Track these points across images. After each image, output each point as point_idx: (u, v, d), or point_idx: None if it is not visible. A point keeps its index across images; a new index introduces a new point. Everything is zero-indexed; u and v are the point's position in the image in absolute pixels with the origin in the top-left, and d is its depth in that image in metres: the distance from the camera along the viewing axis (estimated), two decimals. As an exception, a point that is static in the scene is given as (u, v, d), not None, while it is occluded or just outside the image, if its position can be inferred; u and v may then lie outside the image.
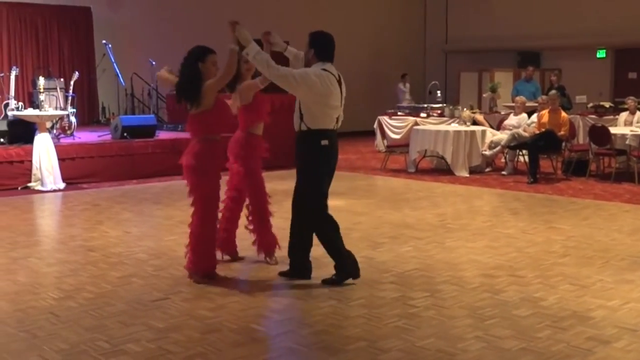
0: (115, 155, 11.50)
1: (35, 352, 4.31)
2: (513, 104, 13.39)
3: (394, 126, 14.70)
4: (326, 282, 5.61)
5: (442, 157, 12.39)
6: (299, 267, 5.73)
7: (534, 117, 12.15)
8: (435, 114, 14.80)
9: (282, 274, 5.84)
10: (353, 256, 5.70)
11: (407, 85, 18.89)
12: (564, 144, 11.73)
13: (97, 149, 11.40)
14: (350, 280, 5.63)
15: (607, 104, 14.70)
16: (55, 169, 10.48)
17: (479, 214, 8.76)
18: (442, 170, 12.45)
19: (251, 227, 6.17)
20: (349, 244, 6.96)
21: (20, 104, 11.80)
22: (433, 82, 16.44)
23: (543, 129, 11.45)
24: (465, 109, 14.00)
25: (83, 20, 15.41)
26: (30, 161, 10.44)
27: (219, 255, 6.08)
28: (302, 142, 5.51)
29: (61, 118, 11.63)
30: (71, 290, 5.54)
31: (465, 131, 12.16)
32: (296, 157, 5.65)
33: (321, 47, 5.52)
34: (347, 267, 5.65)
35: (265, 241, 6.16)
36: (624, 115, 12.87)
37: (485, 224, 8.01)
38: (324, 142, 5.47)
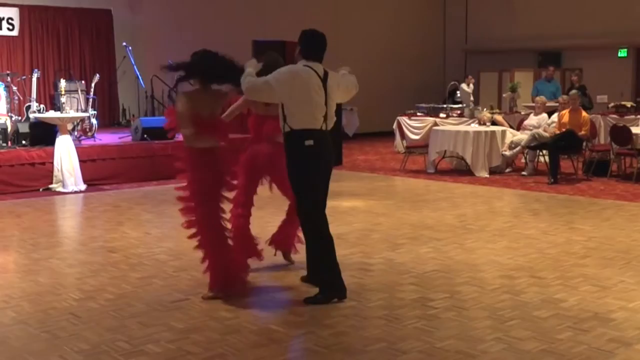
0: (136, 156, 11.57)
1: (57, 352, 4.34)
2: (533, 104, 13.32)
3: (414, 127, 14.67)
4: (309, 301, 5.26)
5: (462, 158, 12.34)
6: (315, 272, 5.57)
7: (555, 117, 12.06)
8: (454, 115, 14.76)
9: (303, 279, 5.79)
10: (340, 274, 5.37)
11: (471, 86, 18.46)
12: (584, 144, 11.64)
13: (117, 151, 11.47)
14: (335, 300, 5.29)
15: (628, 104, 14.59)
16: (77, 170, 10.56)
17: (499, 214, 8.72)
18: (461, 171, 12.41)
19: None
20: (369, 245, 7.00)
21: (42, 106, 11.91)
22: (452, 83, 16.39)
23: (563, 129, 11.37)
24: (484, 110, 13.95)
25: (103, 22, 15.52)
26: (52, 163, 10.52)
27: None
28: (287, 143, 5.28)
29: (82, 120, 11.73)
30: (92, 291, 5.58)
31: (485, 131, 12.11)
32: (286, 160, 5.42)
33: (307, 46, 5.36)
34: (335, 285, 5.32)
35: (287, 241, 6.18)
36: (645, 115, 12.77)
37: (505, 225, 7.97)
38: (309, 142, 5.17)
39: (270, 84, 5.20)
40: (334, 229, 7.28)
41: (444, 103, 16.29)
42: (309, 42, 5.38)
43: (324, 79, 5.27)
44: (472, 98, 18.02)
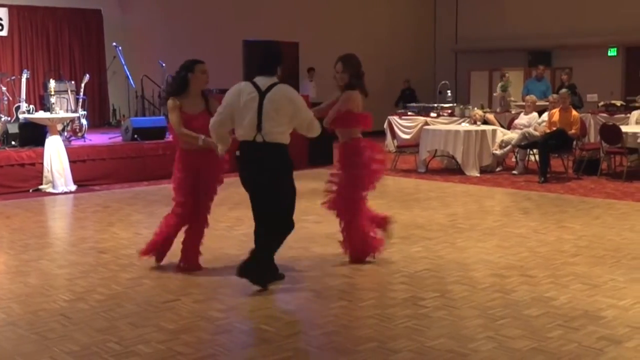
0: (126, 157, 11.54)
1: (47, 354, 4.33)
2: (524, 103, 13.35)
3: (404, 126, 14.68)
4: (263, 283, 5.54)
5: (453, 157, 12.36)
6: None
7: (545, 116, 12.10)
8: (445, 114, 14.79)
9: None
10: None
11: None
12: (574, 142, 11.67)
13: (107, 151, 11.44)
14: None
15: (618, 103, 14.64)
16: (67, 171, 10.52)
17: (489, 213, 8.73)
18: (452, 170, 12.43)
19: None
20: (359, 244, 6.98)
21: (32, 106, 11.85)
22: (443, 82, 16.41)
23: (554, 128, 11.40)
24: (475, 109, 13.97)
25: (93, 22, 15.48)
26: (42, 164, 10.49)
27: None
28: None
29: (72, 120, 11.68)
30: (82, 292, 5.56)
31: (476, 131, 12.13)
32: None
33: (257, 61, 5.58)
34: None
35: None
36: (635, 114, 12.81)
37: (496, 224, 7.98)
38: (237, 153, 5.45)
39: (219, 111, 5.53)
40: (325, 228, 7.31)
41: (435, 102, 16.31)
42: (258, 57, 5.58)
43: (264, 92, 5.35)
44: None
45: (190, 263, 6.09)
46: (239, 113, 5.38)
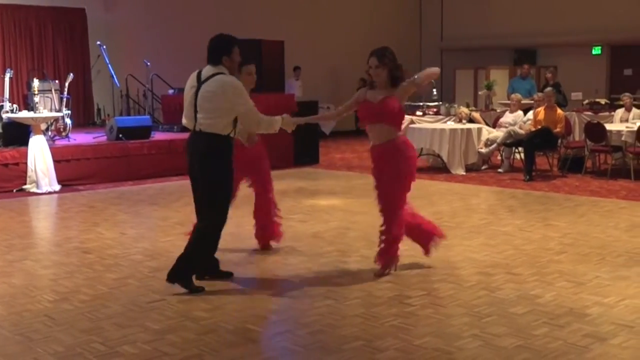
0: (111, 156, 11.47)
1: (31, 355, 4.29)
2: (509, 102, 13.39)
3: (390, 125, 14.66)
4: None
5: (439, 156, 12.38)
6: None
7: (530, 114, 12.14)
8: (431, 112, 14.81)
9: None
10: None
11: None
12: (559, 141, 11.72)
13: (92, 151, 11.37)
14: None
15: (602, 101, 14.73)
16: (51, 171, 10.45)
17: (475, 211, 8.75)
18: (438, 168, 12.44)
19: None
20: (346, 243, 6.99)
21: (15, 106, 11.74)
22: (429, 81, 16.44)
23: (539, 126, 11.44)
24: (461, 107, 14.00)
25: (77, 21, 15.37)
26: (25, 163, 10.41)
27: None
28: None
29: (56, 120, 11.60)
30: (67, 293, 5.52)
31: (462, 129, 12.16)
32: None
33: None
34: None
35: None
36: (620, 112, 12.89)
37: (481, 222, 8.00)
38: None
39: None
40: (311, 227, 7.31)
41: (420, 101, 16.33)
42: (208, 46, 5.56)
43: (202, 82, 5.38)
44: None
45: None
46: (185, 102, 5.50)
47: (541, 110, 11.63)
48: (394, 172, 5.81)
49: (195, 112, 5.36)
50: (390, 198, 5.83)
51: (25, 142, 10.51)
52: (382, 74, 5.81)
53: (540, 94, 12.45)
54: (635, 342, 4.38)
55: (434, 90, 16.06)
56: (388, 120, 5.79)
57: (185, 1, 16.89)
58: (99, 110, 15.58)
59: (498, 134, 12.24)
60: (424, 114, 14.73)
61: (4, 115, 11.17)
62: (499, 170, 12.06)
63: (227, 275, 5.82)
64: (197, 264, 5.53)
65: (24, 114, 10.96)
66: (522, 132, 11.75)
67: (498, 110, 14.64)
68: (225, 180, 5.39)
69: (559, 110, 11.64)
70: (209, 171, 5.36)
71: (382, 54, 5.89)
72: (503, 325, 4.68)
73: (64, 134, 11.80)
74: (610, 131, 11.27)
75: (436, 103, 15.45)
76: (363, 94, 5.92)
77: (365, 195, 9.94)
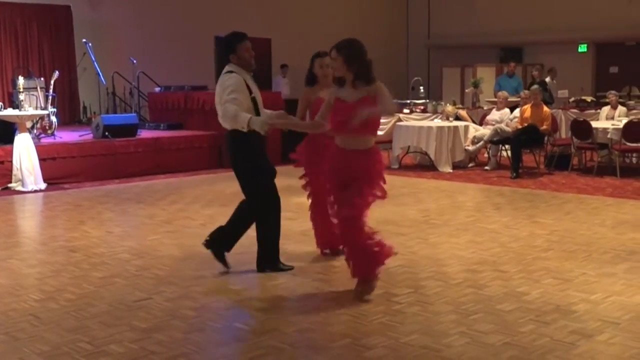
0: (97, 154, 11.42)
1: (16, 354, 4.26)
2: (495, 99, 13.42)
3: (377, 122, 14.66)
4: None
5: (426, 153, 12.40)
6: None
7: (517, 112, 12.19)
8: (418, 110, 14.83)
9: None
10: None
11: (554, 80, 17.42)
12: (546, 138, 11.77)
13: (78, 149, 11.31)
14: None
15: (588, 99, 14.80)
16: (36, 169, 10.39)
17: (462, 209, 8.77)
18: (425, 166, 12.47)
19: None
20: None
21: (0, 104, 11.68)
22: (416, 78, 16.47)
23: (525, 124, 11.48)
24: (447, 105, 14.03)
25: (63, 19, 15.28)
26: (11, 162, 10.34)
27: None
28: None
29: (41, 118, 11.52)
30: (53, 292, 5.48)
31: (448, 127, 12.18)
32: None
33: None
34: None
35: None
36: (605, 110, 12.95)
37: (468, 219, 8.02)
38: None
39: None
40: (299, 224, 7.30)
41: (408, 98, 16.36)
42: None
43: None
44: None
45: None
46: None
47: (528, 107, 11.67)
48: (367, 183, 5.16)
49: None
50: (355, 209, 5.16)
51: (10, 140, 10.44)
52: (343, 67, 5.17)
53: (526, 92, 12.49)
54: (621, 338, 4.40)
55: (422, 88, 16.09)
56: (367, 129, 5.11)
57: (171, -1, 16.83)
58: (85, 108, 15.50)
59: (485, 131, 12.27)
60: (411, 112, 14.75)
61: (-11, 113, 11.11)
62: (486, 167, 12.09)
63: (225, 265, 5.91)
64: (272, 246, 5.87)
65: (9, 112, 10.88)
66: (508, 129, 11.78)
67: (485, 108, 14.68)
68: (251, 173, 5.70)
69: (545, 108, 11.68)
70: (235, 167, 5.75)
71: (341, 46, 5.33)
72: (490, 322, 4.69)
73: (49, 132, 11.73)
74: (596, 129, 11.32)
75: (423, 101, 15.48)
76: (334, 94, 5.21)
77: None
